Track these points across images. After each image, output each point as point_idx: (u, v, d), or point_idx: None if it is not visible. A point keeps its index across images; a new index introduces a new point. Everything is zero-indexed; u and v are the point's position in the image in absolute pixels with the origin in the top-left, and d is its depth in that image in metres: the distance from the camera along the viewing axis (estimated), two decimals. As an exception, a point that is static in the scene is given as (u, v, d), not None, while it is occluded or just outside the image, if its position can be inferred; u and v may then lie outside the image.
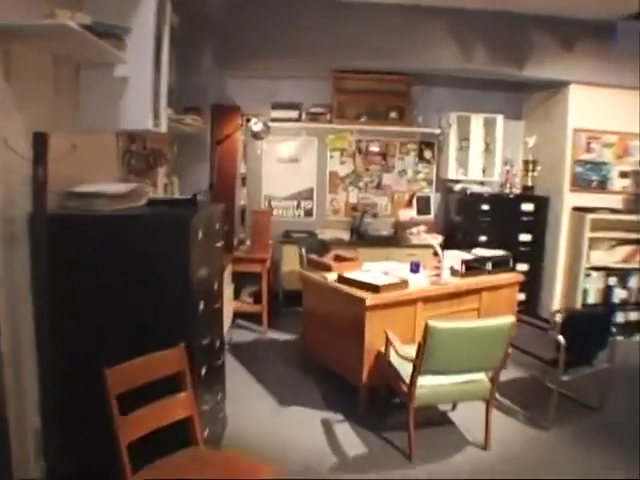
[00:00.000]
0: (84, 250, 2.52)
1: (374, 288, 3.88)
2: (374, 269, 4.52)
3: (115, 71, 2.99)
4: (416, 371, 3.28)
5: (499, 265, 4.87)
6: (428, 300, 4.17)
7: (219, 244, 3.29)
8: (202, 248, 2.77)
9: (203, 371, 2.83)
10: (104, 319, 2.56)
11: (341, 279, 4.16)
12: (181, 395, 2.42)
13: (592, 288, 6.29)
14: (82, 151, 2.94)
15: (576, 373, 4.04)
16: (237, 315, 6.03)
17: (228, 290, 5.15)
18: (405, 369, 3.48)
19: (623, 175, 6.49)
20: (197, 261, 2.67)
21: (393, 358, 3.67)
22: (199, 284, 2.74)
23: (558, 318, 4.20)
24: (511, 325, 3.29)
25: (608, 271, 6.30)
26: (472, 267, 4.67)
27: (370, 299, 3.79)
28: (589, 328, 4.01)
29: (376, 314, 3.84)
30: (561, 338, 3.78)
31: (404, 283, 4.06)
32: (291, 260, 6.07)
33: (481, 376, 3.54)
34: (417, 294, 4.09)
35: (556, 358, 3.88)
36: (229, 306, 5.32)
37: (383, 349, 3.80)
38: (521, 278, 4.95)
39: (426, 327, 3.14)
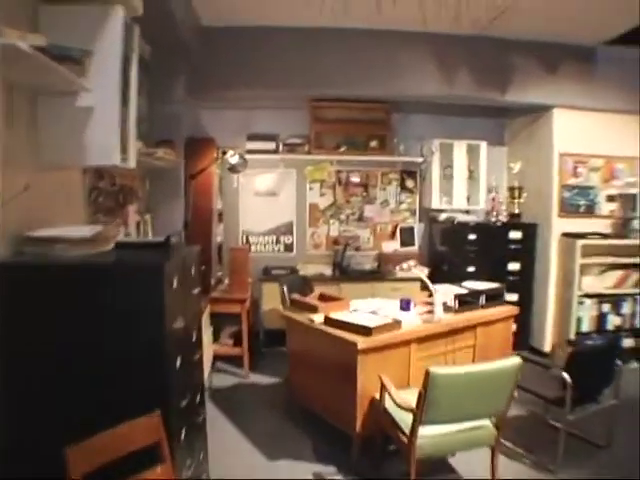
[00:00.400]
0: (42, 302, 2.17)
1: (366, 330, 3.58)
2: (362, 307, 4.24)
3: (78, 100, 2.71)
4: (417, 421, 2.98)
5: (493, 298, 4.63)
6: (422, 340, 3.89)
7: (196, 290, 2.97)
8: (178, 297, 2.47)
9: (182, 434, 2.50)
10: (65, 382, 2.19)
11: (329, 321, 3.85)
12: (158, 469, 2.09)
13: (585, 316, 6.11)
14: (42, 190, 2.64)
15: (583, 411, 3.80)
16: (217, 358, 5.71)
17: (207, 334, 4.83)
18: (403, 417, 3.20)
19: (610, 199, 6.37)
20: (172, 312, 2.36)
21: (389, 404, 3.37)
22: (175, 338, 2.42)
23: (560, 352, 3.97)
24: (518, 367, 3.01)
25: (600, 298, 6.11)
26: (465, 302, 4.41)
27: (362, 342, 3.50)
28: (595, 364, 3.77)
29: (369, 358, 3.55)
30: (567, 376, 3.53)
31: (396, 323, 3.77)
32: (271, 298, 5.79)
33: (486, 422, 3.25)
34: (411, 334, 3.80)
35: (561, 396, 3.64)
36: (208, 350, 4.99)
37: (377, 395, 3.50)
38: (516, 311, 4.70)
39: (427, 375, 2.85)
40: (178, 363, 2.45)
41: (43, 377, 2.19)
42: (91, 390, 2.19)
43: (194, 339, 2.99)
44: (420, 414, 2.95)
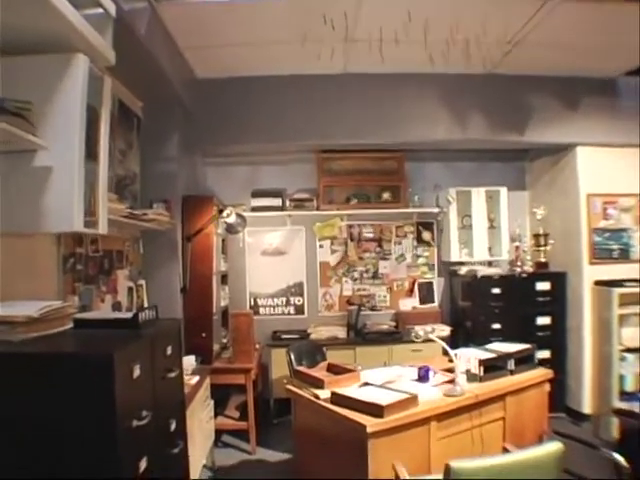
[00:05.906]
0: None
1: (377, 409, 3.08)
2: (375, 379, 3.75)
3: (35, 160, 2.37)
4: (439, 523, 2.48)
5: (523, 362, 4.11)
6: (443, 416, 3.37)
7: (173, 374, 2.54)
8: (142, 387, 2.07)
9: None
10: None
11: (335, 397, 3.36)
12: None
13: (629, 373, 5.43)
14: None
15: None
16: (223, 431, 5.24)
17: (205, 411, 4.37)
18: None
19: (646, 241, 5.84)
20: (131, 407, 1.96)
21: (407, 497, 2.86)
22: (137, 436, 2.00)
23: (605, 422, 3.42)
24: (559, 455, 2.50)
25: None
26: (492, 368, 3.90)
27: (372, 425, 2.99)
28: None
29: (381, 442, 3.03)
30: (620, 458, 2.99)
31: (413, 399, 3.27)
32: (281, 365, 5.29)
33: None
34: (430, 411, 3.27)
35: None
36: (209, 425, 4.53)
37: (393, 484, 2.99)
38: (550, 375, 4.17)
39: (447, 470, 2.35)
40: (143, 465, 2.03)
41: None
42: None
43: (173, 427, 2.57)
44: (442, 515, 2.44)
